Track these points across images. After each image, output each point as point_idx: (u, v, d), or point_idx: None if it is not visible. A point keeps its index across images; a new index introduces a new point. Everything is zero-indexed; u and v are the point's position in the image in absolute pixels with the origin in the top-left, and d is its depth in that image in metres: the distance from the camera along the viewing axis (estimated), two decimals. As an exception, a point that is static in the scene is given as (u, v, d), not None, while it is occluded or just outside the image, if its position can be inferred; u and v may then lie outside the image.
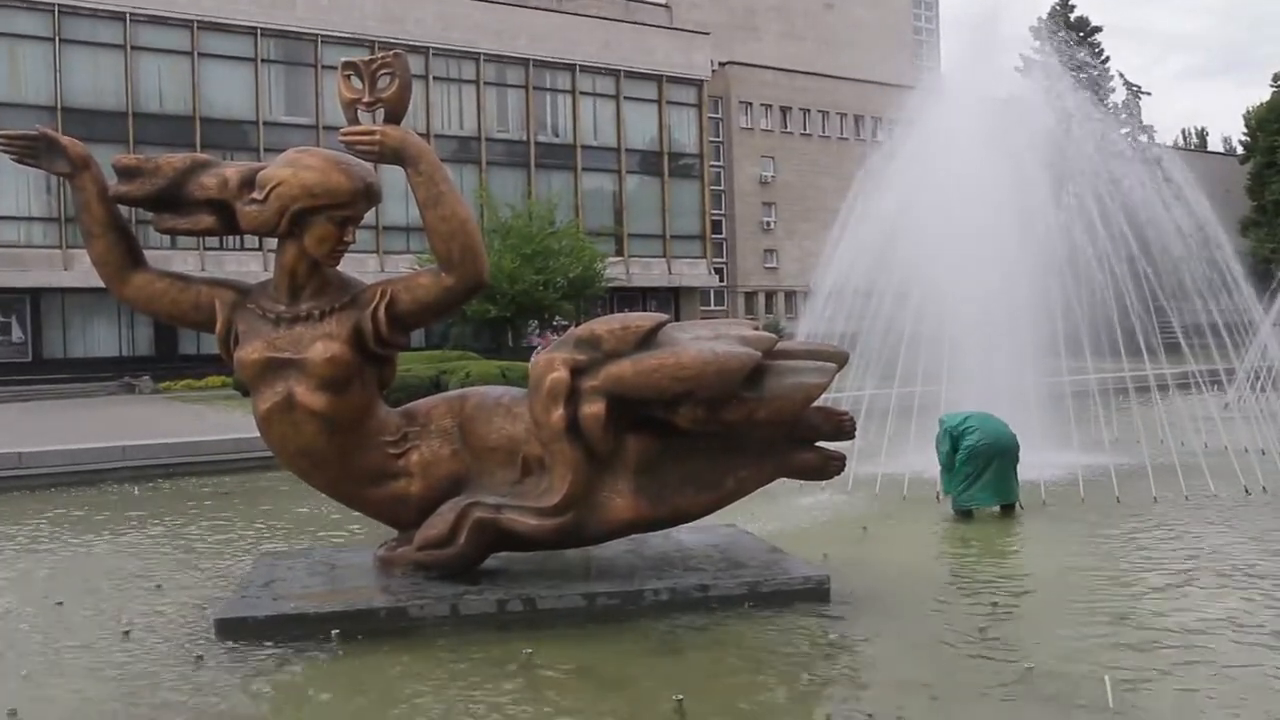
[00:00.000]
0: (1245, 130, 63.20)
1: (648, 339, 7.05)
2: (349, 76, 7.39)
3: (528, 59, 46.89)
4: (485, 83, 46.29)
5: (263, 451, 8.60)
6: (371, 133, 7.26)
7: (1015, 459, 10.84)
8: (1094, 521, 10.62)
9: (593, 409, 6.94)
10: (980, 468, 10.66)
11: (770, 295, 57.62)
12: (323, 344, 7.16)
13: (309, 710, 5.83)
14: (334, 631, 6.76)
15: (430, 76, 44.24)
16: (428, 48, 44.02)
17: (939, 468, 11.20)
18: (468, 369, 23.69)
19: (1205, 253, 14.29)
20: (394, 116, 7.35)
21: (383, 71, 7.35)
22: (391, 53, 7.51)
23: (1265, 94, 60.54)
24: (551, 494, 7.12)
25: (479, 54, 45.74)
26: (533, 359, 8.75)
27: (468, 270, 7.22)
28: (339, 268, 7.58)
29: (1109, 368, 15.12)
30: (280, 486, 13.00)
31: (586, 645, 6.72)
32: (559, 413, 6.95)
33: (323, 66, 41.21)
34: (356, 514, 8.16)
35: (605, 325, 7.19)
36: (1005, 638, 6.89)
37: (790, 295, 55.51)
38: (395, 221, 40.84)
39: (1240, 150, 66.96)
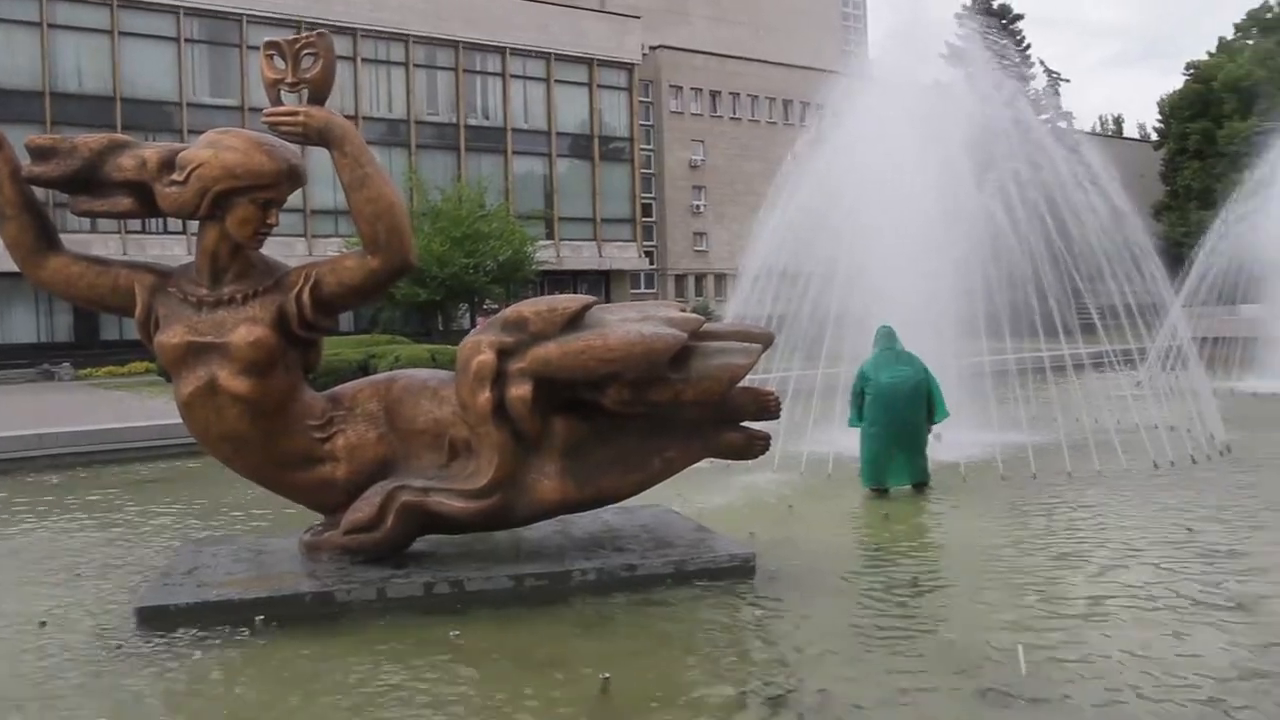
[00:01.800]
0: (1159, 117, 64.93)
1: (575, 321, 7.09)
2: (271, 56, 7.29)
3: (458, 41, 46.42)
4: (415, 65, 45.77)
5: (186, 438, 8.48)
6: (295, 113, 7.18)
7: (920, 438, 11.06)
8: (1011, 497, 10.93)
9: (519, 391, 6.97)
10: (885, 447, 10.90)
11: (700, 278, 57.93)
12: (246, 328, 7.08)
13: (230, 698, 5.78)
14: (258, 618, 6.71)
15: (359, 58, 43.61)
16: (356, 29, 43.36)
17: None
18: (397, 353, 23.47)
19: (1120, 236, 14.66)
20: (318, 97, 7.27)
21: (306, 51, 7.26)
22: (315, 32, 7.42)
23: (1179, 83, 62.24)
24: (479, 476, 7.14)
25: (408, 36, 45.18)
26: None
27: (394, 252, 7.18)
28: (264, 250, 7.50)
29: (1028, 348, 15.51)
30: (205, 473, 12.81)
31: (514, 627, 6.76)
32: (486, 395, 6.97)
33: (248, 47, 40.39)
34: (284, 499, 8.08)
35: (532, 307, 7.22)
36: (925, 611, 7.09)
37: (720, 278, 55.82)
38: (323, 205, 40.24)
39: (1155, 137, 68.74)
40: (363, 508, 7.29)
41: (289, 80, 7.24)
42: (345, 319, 38.38)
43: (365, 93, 44.24)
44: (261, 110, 7.48)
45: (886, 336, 11.42)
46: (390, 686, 5.82)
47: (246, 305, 7.19)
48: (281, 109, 7.23)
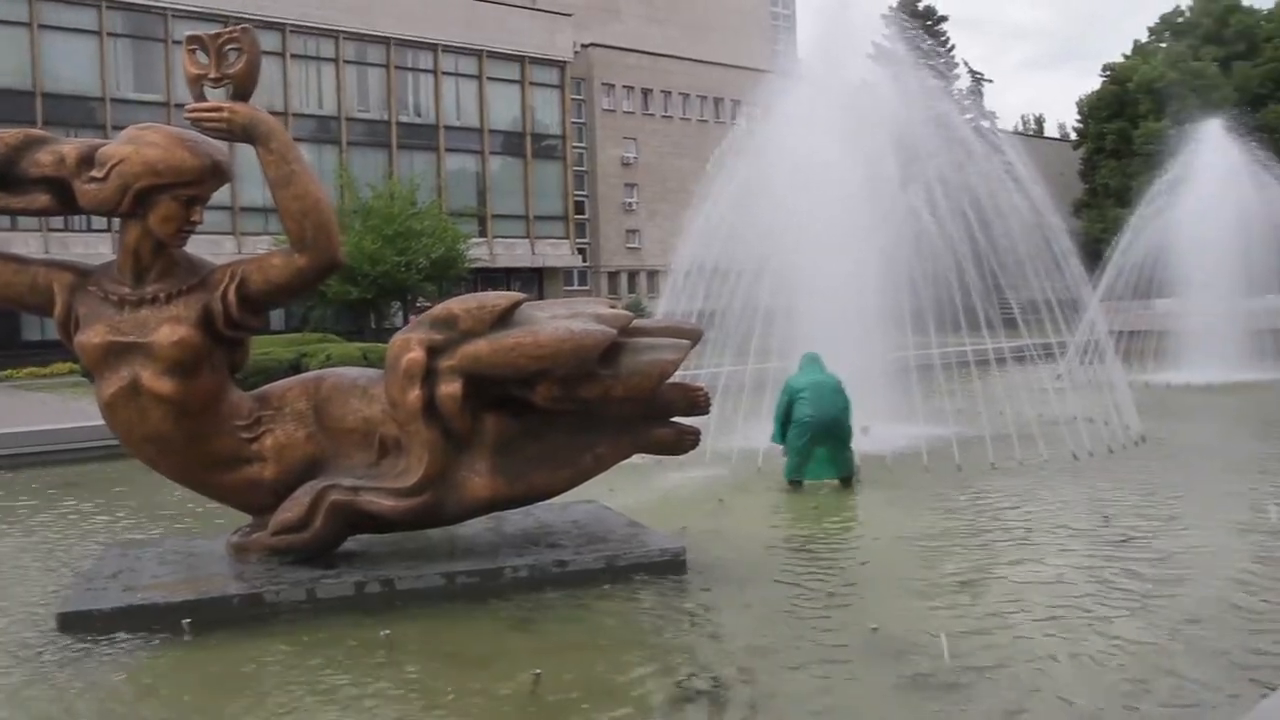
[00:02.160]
0: (1078, 118, 66.53)
1: (505, 318, 7.12)
2: (194, 51, 7.20)
3: (389, 38, 45.97)
4: (345, 61, 45.23)
5: (111, 440, 8.32)
6: (219, 109, 7.09)
7: (843, 434, 11.24)
8: (936, 489, 11.16)
9: (449, 388, 6.98)
10: (806, 441, 11.08)
11: (633, 275, 58.10)
12: (169, 327, 6.99)
13: (155, 705, 5.71)
14: (185, 621, 6.62)
15: (288, 54, 42.97)
16: (285, 24, 42.72)
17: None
18: (328, 351, 23.20)
19: (1040, 233, 15.04)
20: (242, 93, 7.19)
21: (230, 47, 7.17)
22: (239, 27, 7.33)
23: (1096, 84, 63.80)
24: (409, 474, 7.13)
25: (339, 32, 44.62)
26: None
27: (321, 250, 7.14)
28: (190, 249, 7.40)
29: (952, 342, 15.85)
30: (131, 475, 12.54)
31: (445, 625, 6.77)
32: (415, 393, 6.96)
33: (173, 42, 39.49)
34: (211, 501, 7.99)
35: (462, 304, 7.23)
36: (852, 602, 7.25)
37: (652, 275, 56.00)
38: (252, 202, 39.58)
39: (1074, 136, 70.42)
40: (291, 508, 7.24)
41: (212, 76, 7.15)
42: (276, 317, 37.99)
43: (295, 89, 43.61)
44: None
45: (812, 361, 11.63)
46: (320, 688, 5.80)
47: (170, 304, 7.09)
48: (205, 105, 7.14)
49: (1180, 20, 63.24)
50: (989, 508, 10.31)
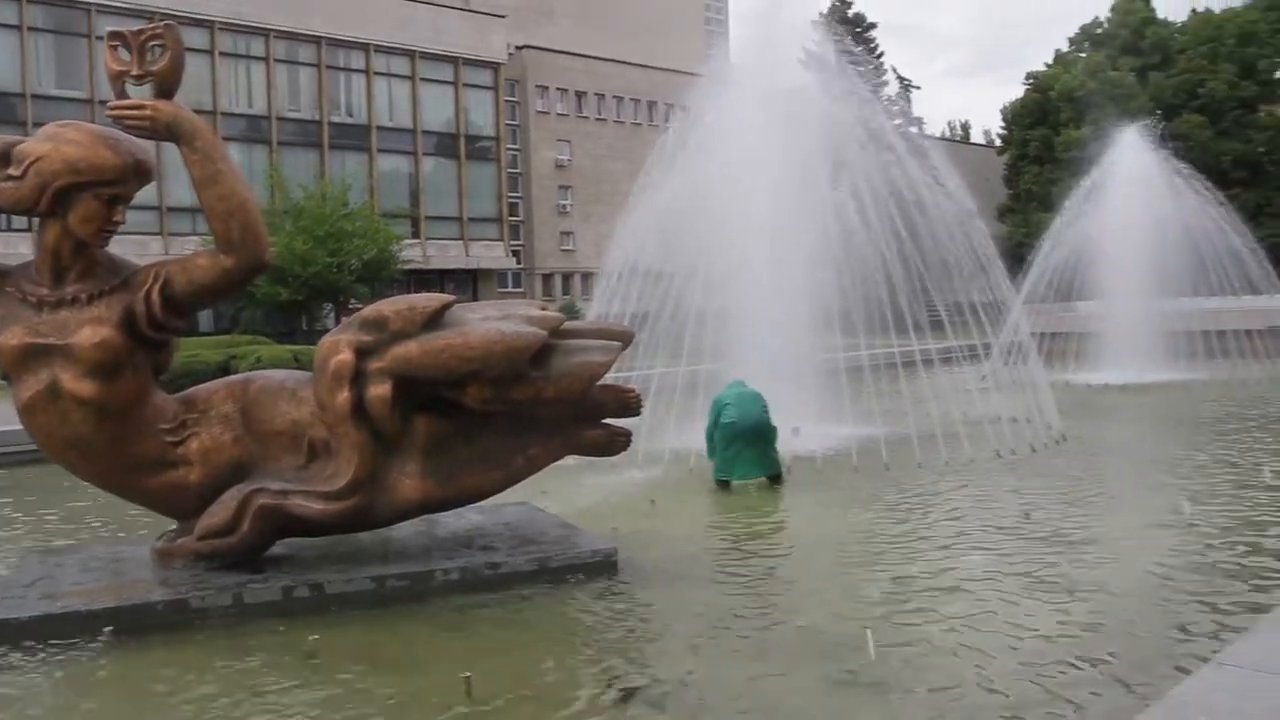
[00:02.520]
0: (1003, 124, 67.95)
1: (435, 319, 7.09)
2: (116, 48, 7.08)
3: (320, 37, 45.37)
4: (276, 60, 44.52)
5: (29, 444, 8.12)
6: (142, 107, 6.98)
7: (767, 435, 11.40)
8: (865, 488, 11.35)
9: (379, 390, 6.93)
10: (732, 444, 11.23)
11: (567, 277, 58.05)
12: (90, 329, 6.85)
13: (74, 716, 5.60)
14: (107, 629, 6.50)
15: (217, 52, 42.19)
16: (214, 22, 41.93)
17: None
18: (258, 354, 22.84)
19: (966, 237, 15.35)
20: (166, 90, 7.08)
21: (152, 43, 7.06)
22: (163, 24, 7.22)
23: (1020, 92, 65.21)
24: (338, 477, 7.08)
25: (269, 30, 43.91)
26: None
27: (248, 251, 7.05)
28: (116, 249, 7.27)
29: (880, 344, 16.11)
30: (50, 481, 12.22)
31: (375, 629, 6.72)
32: (344, 395, 6.91)
33: (96, 37, 38.54)
34: (136, 506, 7.83)
35: (392, 306, 7.19)
36: (781, 600, 7.35)
37: (587, 277, 55.97)
38: (180, 202, 38.70)
39: (999, 143, 71.90)
40: (218, 512, 7.14)
41: (134, 73, 7.03)
42: (205, 319, 37.28)
43: (224, 87, 42.82)
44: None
45: (736, 382, 11.90)
46: (246, 695, 5.72)
47: (91, 305, 6.95)
48: (127, 102, 7.01)
49: (1099, 31, 64.96)
50: (916, 506, 10.50)
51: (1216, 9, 60.47)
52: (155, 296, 6.97)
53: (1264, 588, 7.20)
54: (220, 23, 42.26)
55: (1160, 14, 63.37)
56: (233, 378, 7.96)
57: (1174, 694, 3.84)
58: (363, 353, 6.97)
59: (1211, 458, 12.84)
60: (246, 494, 7.11)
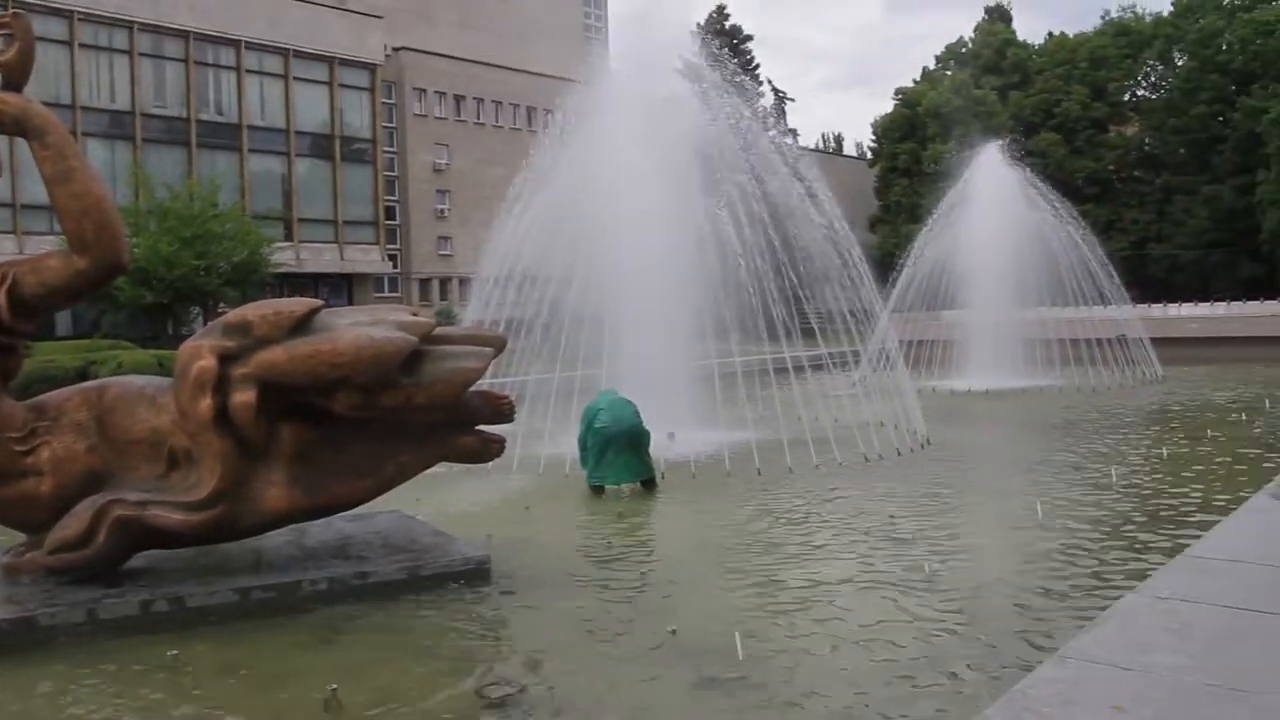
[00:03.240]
0: (873, 138, 69.98)
1: (302, 324, 6.95)
2: (-42, 38, 6.74)
3: (188, 31, 43.79)
4: (140, 54, 42.78)
5: None
6: (-13, 100, 6.67)
7: (640, 440, 11.54)
8: (737, 492, 11.55)
9: (243, 397, 6.76)
10: (605, 449, 11.34)
11: (445, 282, 57.32)
12: (-70, 333, 6.51)
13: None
14: (-53, 648, 6.18)
15: (76, 43, 40.33)
16: (74, 11, 40.06)
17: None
18: (120, 359, 21.91)
19: (837, 247, 15.76)
20: (14, 83, 6.78)
21: (0, 32, 6.75)
22: (10, 12, 6.92)
23: (890, 106, 67.24)
24: (200, 487, 6.87)
25: (133, 22, 42.17)
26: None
27: (104, 252, 6.81)
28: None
29: (753, 351, 16.42)
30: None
31: (238, 642, 6.54)
32: (206, 402, 6.72)
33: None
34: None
35: (257, 311, 7.03)
36: (652, 604, 7.42)
37: (465, 282, 55.29)
38: (35, 199, 36.77)
39: (870, 155, 74.01)
40: (71, 524, 6.85)
41: (-21, 64, 6.72)
42: (63, 322, 35.59)
43: (84, 80, 40.93)
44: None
45: (608, 390, 12.04)
46: (98, 716, 5.50)
47: (-69, 308, 6.60)
48: (-30, 96, 6.70)
49: (963, 50, 67.58)
50: (786, 510, 10.73)
51: (1071, 33, 63.53)
52: (2, 299, 6.67)
53: (1113, 584, 7.56)
54: (80, 12, 40.44)
55: (1020, 36, 66.30)
56: (88, 384, 7.67)
57: (1017, 688, 4.02)
58: (226, 358, 6.78)
59: (1063, 461, 13.48)
60: (102, 505, 6.84)
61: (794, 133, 65.41)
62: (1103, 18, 66.35)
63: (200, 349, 6.83)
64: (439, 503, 10.43)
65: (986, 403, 21.71)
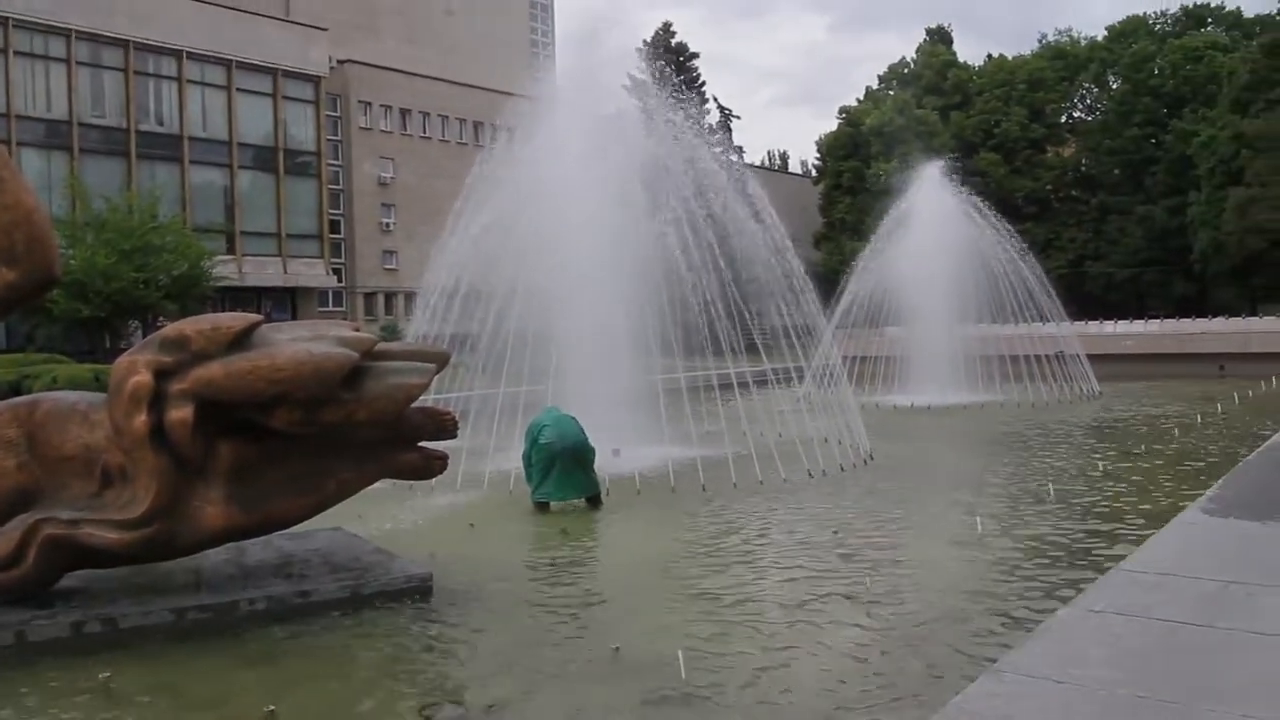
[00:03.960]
0: (818, 156, 70.77)
1: (241, 340, 6.86)
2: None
3: (127, 40, 43.04)
4: (78, 62, 41.99)
5: None
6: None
7: (585, 456, 11.53)
8: (682, 508, 11.57)
9: (180, 414, 6.64)
10: (549, 465, 11.33)
11: (390, 296, 56.83)
12: None
13: None
14: None
15: (11, 50, 39.50)
16: (8, 18, 39.24)
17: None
18: (55, 373, 21.42)
19: (781, 264, 15.89)
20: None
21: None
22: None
23: (834, 125, 68.02)
24: (135, 505, 6.73)
25: (70, 30, 41.37)
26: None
27: (35, 264, 6.67)
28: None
29: (698, 367, 16.48)
30: None
31: (173, 663, 6.41)
32: (141, 418, 6.58)
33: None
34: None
35: (194, 325, 6.92)
36: (597, 622, 7.40)
37: (410, 296, 54.83)
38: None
39: (814, 173, 74.84)
40: (-1, 544, 6.67)
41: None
42: (-4, 334, 34.67)
43: (18, 89, 40.05)
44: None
45: (553, 408, 12.05)
46: (28, 736, 5.38)
47: None
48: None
49: (905, 71, 68.76)
50: (730, 526, 10.76)
51: (1010, 55, 64.91)
52: (-71, 313, 6.50)
53: (1049, 597, 7.68)
54: (14, 19, 39.62)
55: (961, 58, 67.58)
56: (18, 400, 7.49)
57: (954, 701, 4.08)
58: (162, 374, 6.66)
59: (1003, 476, 13.70)
60: (32, 523, 6.68)
61: (740, 150, 65.89)
62: (1040, 41, 67.97)
63: (136, 364, 6.70)
64: (381, 520, 10.32)
65: (928, 418, 21.99)
